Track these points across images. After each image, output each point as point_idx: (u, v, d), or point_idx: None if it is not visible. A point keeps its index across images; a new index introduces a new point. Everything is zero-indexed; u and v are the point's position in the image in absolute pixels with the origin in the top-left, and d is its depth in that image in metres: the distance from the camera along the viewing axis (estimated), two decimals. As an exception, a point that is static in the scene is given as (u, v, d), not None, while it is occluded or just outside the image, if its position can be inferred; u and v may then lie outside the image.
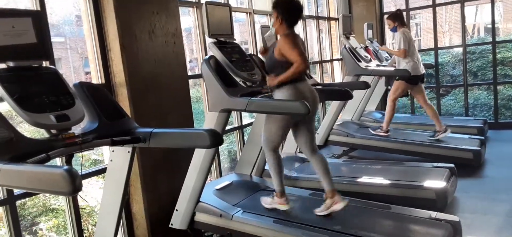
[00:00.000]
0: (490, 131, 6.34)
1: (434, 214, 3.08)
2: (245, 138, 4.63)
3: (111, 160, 2.49)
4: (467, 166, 4.69)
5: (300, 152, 4.24)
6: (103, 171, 3.12)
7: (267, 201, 3.29)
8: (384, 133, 5.40)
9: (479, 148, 4.87)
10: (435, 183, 3.77)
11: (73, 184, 1.53)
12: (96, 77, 3.15)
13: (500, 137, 6.26)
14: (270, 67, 3.15)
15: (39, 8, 2.72)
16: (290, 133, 3.32)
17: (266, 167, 4.11)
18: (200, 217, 3.23)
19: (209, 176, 3.59)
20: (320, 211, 3.13)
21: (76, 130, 2.17)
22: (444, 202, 3.66)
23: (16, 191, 2.68)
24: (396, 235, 2.93)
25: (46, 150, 1.94)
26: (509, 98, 9.03)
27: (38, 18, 2.15)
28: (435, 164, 4.28)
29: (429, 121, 5.62)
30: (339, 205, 3.07)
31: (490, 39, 7.09)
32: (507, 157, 5.15)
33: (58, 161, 2.76)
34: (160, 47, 3.31)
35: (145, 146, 2.29)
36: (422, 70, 5.42)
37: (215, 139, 2.14)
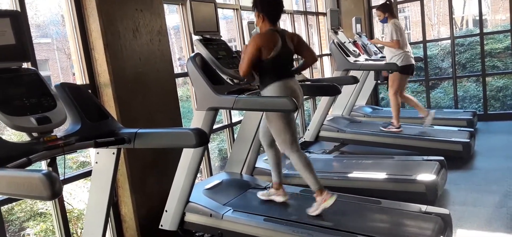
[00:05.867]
0: (479, 123, 6.39)
1: (424, 207, 3.08)
2: (235, 135, 4.59)
3: (96, 162, 2.45)
4: (457, 158, 4.71)
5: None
6: (90, 173, 3.06)
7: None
8: (396, 129, 5.33)
9: (468, 140, 4.89)
10: (425, 176, 3.77)
11: (52, 188, 1.48)
12: (80, 78, 3.09)
13: (489, 129, 6.30)
14: None
15: (18, 8, 2.66)
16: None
17: (257, 165, 4.11)
18: (190, 218, 3.20)
19: (199, 175, 3.55)
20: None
21: (58, 132, 2.12)
22: (434, 195, 3.67)
23: (0, 197, 2.62)
24: (386, 230, 2.92)
25: (27, 153, 1.88)
26: (497, 90, 9.10)
27: (17, 18, 2.09)
28: (425, 157, 4.29)
29: (418, 114, 5.67)
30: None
31: (478, 31, 7.12)
32: (497, 148, 5.17)
33: (43, 165, 2.71)
34: (145, 45, 3.26)
35: (130, 146, 2.25)
36: (413, 60, 5.44)
37: (201, 138, 2.10)
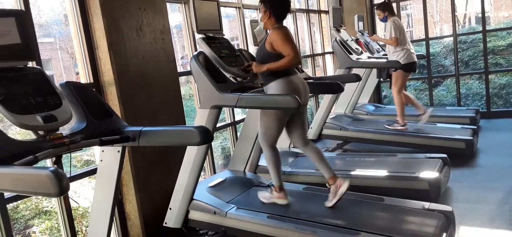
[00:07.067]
0: (482, 120, 6.38)
1: (427, 204, 3.09)
2: (238, 134, 4.61)
3: (101, 160, 2.47)
4: (460, 155, 4.71)
5: (294, 147, 4.22)
6: (95, 171, 3.09)
7: (265, 196, 3.30)
8: (401, 126, 5.32)
9: (471, 137, 4.89)
10: (428, 174, 3.78)
11: (59, 185, 1.50)
12: (85, 77, 3.11)
13: (492, 126, 6.30)
14: (260, 59, 3.14)
15: (23, 8, 2.68)
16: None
17: (261, 163, 4.12)
18: (194, 215, 3.22)
19: (202, 173, 3.57)
20: (329, 202, 3.14)
21: (64, 130, 2.14)
22: (437, 192, 3.67)
23: (7, 194, 2.64)
24: (389, 227, 2.92)
25: (33, 151, 1.90)
26: (500, 87, 9.08)
27: (22, 18, 2.10)
28: (428, 155, 4.30)
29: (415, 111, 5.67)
30: (343, 187, 3.11)
31: (481, 29, 7.11)
32: (500, 146, 5.17)
33: (49, 163, 2.73)
34: (149, 44, 3.28)
35: (134, 144, 2.27)
36: (415, 58, 5.45)
37: (205, 135, 2.11)
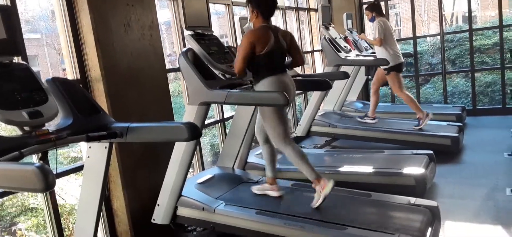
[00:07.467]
0: (468, 117, 6.48)
1: (413, 200, 3.13)
2: (227, 130, 4.61)
3: (88, 157, 2.45)
4: (446, 152, 4.78)
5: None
6: (81, 168, 3.07)
7: (315, 198, 3.10)
8: (425, 119, 5.25)
9: (457, 134, 4.96)
10: (414, 170, 3.83)
11: (45, 181, 1.49)
12: (71, 73, 3.08)
13: (478, 123, 6.40)
14: None
15: (9, 3, 2.65)
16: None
17: (249, 159, 4.14)
18: (182, 211, 3.21)
19: (191, 170, 3.57)
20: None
21: (50, 126, 2.12)
22: (423, 188, 3.73)
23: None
24: (376, 221, 2.96)
25: (19, 147, 1.89)
26: (486, 85, 9.22)
27: (8, 13, 2.08)
28: (415, 151, 4.35)
29: (409, 109, 5.71)
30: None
31: (467, 27, 7.21)
32: (485, 143, 5.26)
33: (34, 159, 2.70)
34: (137, 40, 3.26)
35: (122, 141, 2.26)
36: (402, 58, 5.50)
37: (193, 131, 2.12)
